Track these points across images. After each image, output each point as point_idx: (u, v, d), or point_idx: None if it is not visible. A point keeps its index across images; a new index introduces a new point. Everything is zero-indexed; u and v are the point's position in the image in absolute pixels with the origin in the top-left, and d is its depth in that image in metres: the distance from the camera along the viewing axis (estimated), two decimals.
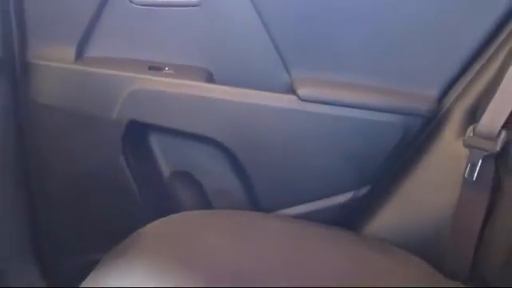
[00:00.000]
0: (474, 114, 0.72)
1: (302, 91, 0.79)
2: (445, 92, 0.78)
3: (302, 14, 0.79)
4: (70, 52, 0.81)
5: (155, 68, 0.81)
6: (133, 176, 0.83)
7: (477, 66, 0.76)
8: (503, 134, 0.64)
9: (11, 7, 0.78)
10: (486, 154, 0.65)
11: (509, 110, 0.64)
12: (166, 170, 0.87)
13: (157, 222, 0.73)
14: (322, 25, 0.79)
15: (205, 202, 0.86)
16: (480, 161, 0.66)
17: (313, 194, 0.82)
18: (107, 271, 0.64)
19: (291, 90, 0.80)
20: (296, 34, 0.80)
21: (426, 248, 0.75)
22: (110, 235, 0.71)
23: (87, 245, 0.86)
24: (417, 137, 0.79)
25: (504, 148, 0.64)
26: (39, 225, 0.90)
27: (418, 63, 0.79)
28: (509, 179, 0.64)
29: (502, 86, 0.66)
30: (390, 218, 0.80)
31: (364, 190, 0.81)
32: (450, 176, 0.71)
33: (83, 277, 0.65)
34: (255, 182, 0.82)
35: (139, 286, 0.60)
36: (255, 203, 0.84)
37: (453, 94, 0.78)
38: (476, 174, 0.66)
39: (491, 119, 0.66)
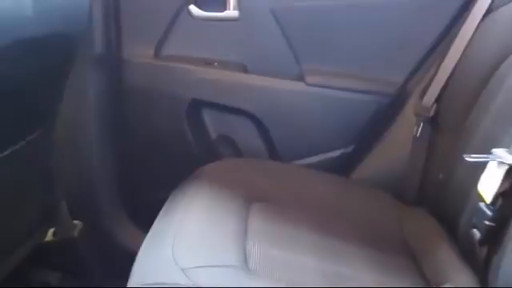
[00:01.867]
0: (423, 94, 1.08)
1: (308, 79, 1.16)
2: (407, 80, 1.14)
3: (309, 25, 1.15)
4: (150, 51, 1.18)
5: (208, 62, 1.18)
6: (192, 136, 1.21)
7: (428, 63, 1.12)
8: (435, 106, 1.00)
9: (111, 18, 1.15)
10: (424, 119, 1.01)
11: (438, 90, 1.00)
12: (213, 133, 1.24)
13: (209, 165, 1.09)
14: (322, 33, 1.15)
15: (239, 155, 1.23)
16: (421, 124, 1.02)
17: (314, 150, 1.19)
18: (180, 197, 0.99)
19: (301, 78, 1.16)
20: (304, 39, 1.16)
21: (391, 185, 1.10)
22: (175, 177, 1.07)
23: (158, 185, 1.22)
24: (387, 110, 1.15)
25: (435, 115, 1.00)
26: (124, 172, 1.28)
27: (389, 60, 1.15)
28: (437, 135, 1.00)
29: (438, 74, 1.02)
30: (367, 166, 1.16)
31: (350, 148, 1.18)
32: (406, 135, 1.08)
33: (156, 209, 0.98)
34: (275, 141, 1.20)
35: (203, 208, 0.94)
36: (275, 156, 1.20)
37: (412, 82, 1.14)
38: (419, 133, 1.02)
39: (429, 96, 1.02)
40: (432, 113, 1.00)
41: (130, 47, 1.18)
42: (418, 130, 1.03)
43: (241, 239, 0.83)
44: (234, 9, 1.16)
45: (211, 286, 0.65)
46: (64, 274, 1.29)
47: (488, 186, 0.70)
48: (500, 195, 0.68)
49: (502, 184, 0.67)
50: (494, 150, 0.71)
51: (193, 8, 1.16)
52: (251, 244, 0.82)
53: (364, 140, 1.16)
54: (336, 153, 1.18)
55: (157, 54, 1.19)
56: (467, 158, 0.71)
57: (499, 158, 0.68)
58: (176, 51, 1.19)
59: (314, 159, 1.19)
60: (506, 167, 0.67)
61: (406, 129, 1.08)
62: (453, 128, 0.95)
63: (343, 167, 1.17)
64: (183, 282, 0.65)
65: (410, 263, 0.90)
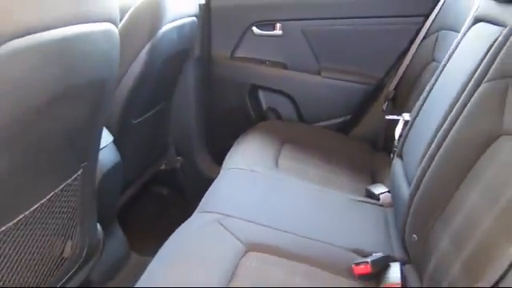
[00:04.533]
0: (389, 85, 1.77)
1: (323, 73, 1.88)
2: (384, 76, 1.83)
3: (324, 40, 1.86)
4: (228, 54, 1.94)
5: (262, 62, 1.93)
6: (251, 106, 1.97)
7: (396, 67, 1.80)
8: (393, 92, 1.70)
9: (205, 35, 1.92)
10: (388, 99, 1.71)
11: (396, 83, 1.70)
12: (264, 105, 1.99)
13: (260, 123, 1.84)
14: (333, 45, 1.86)
15: (280, 119, 1.97)
16: (386, 102, 1.72)
17: (326, 117, 1.92)
18: (244, 140, 1.74)
19: (319, 73, 1.88)
20: (322, 49, 1.88)
21: (370, 138, 1.82)
22: (240, 131, 1.82)
23: (229, 135, 1.96)
24: (370, 94, 1.85)
25: (393, 97, 1.70)
26: (209, 128, 2.05)
27: (373, 64, 1.84)
28: (394, 109, 1.70)
29: (397, 74, 1.72)
30: (357, 127, 1.88)
31: (348, 117, 1.90)
32: (379, 109, 1.78)
33: (227, 150, 1.73)
34: (302, 111, 1.93)
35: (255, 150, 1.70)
36: (301, 120, 1.94)
37: (386, 78, 1.83)
38: (385, 107, 1.73)
39: (391, 86, 1.72)
40: (391, 96, 1.71)
41: (216, 52, 1.95)
42: (384, 106, 1.73)
43: (276, 158, 1.57)
44: (280, 29, 1.90)
45: (259, 170, 1.41)
46: (171, 190, 2.09)
47: (397, 131, 1.41)
48: (400, 136, 1.38)
49: (401, 130, 1.38)
50: (403, 114, 1.41)
51: (254, 28, 1.91)
52: (281, 160, 1.57)
53: (356, 112, 1.89)
54: (339, 119, 1.91)
55: (231, 56, 1.95)
56: (386, 117, 1.43)
57: (402, 117, 1.39)
58: (243, 54, 1.94)
59: (325, 123, 1.92)
60: (403, 121, 1.38)
61: (379, 105, 1.79)
62: (401, 105, 1.66)
63: (343, 128, 1.91)
64: (245, 168, 1.41)
65: (370, 178, 1.62)
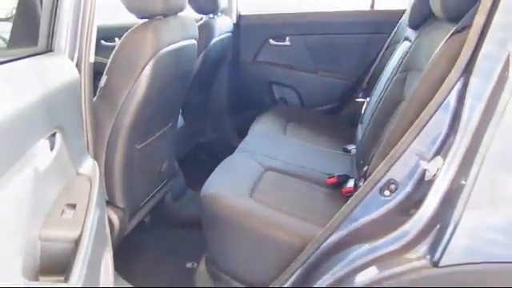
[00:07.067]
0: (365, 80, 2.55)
1: (318, 72, 2.66)
2: (362, 74, 2.60)
3: (320, 47, 2.64)
4: (251, 58, 2.72)
5: (276, 64, 2.71)
6: (267, 97, 2.75)
7: (370, 67, 2.57)
8: (366, 85, 2.47)
9: (236, 43, 2.70)
10: (363, 89, 2.49)
11: (368, 77, 2.47)
12: (276, 95, 2.77)
13: (273, 107, 2.62)
14: (326, 51, 2.64)
15: (287, 104, 2.75)
16: (361, 91, 2.49)
17: (319, 104, 2.69)
18: (260, 119, 2.52)
19: (315, 72, 2.66)
20: (318, 54, 2.66)
21: (350, 117, 2.58)
22: (258, 113, 2.60)
23: (249, 117, 2.74)
24: (351, 87, 2.62)
25: (366, 88, 2.47)
26: (236, 112, 2.83)
27: (354, 65, 2.62)
28: (366, 95, 2.47)
29: (369, 72, 2.49)
30: (342, 111, 2.65)
31: (336, 104, 2.67)
32: (356, 97, 2.55)
33: (247, 126, 2.51)
34: (303, 99, 2.71)
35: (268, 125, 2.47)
36: (303, 105, 2.72)
37: (364, 76, 2.59)
38: (360, 95, 2.50)
39: (365, 80, 2.48)
40: (365, 86, 2.47)
41: (243, 57, 2.74)
42: (360, 95, 2.50)
43: (284, 129, 2.34)
44: (288, 41, 2.68)
45: (273, 134, 2.18)
46: (207, 157, 2.87)
47: (364, 108, 2.18)
48: (364, 110, 2.15)
49: (365, 107, 2.15)
50: (367, 98, 2.18)
51: (271, 40, 2.69)
52: (287, 131, 2.34)
53: (341, 100, 2.66)
54: (329, 105, 2.69)
55: (254, 60, 2.73)
56: (356, 100, 2.20)
57: (366, 99, 2.16)
58: (262, 59, 2.73)
59: (319, 108, 2.70)
60: (366, 102, 2.14)
61: (357, 94, 2.55)
62: (369, 93, 2.42)
63: (332, 112, 2.68)
64: (264, 132, 2.19)
65: (347, 141, 2.37)
